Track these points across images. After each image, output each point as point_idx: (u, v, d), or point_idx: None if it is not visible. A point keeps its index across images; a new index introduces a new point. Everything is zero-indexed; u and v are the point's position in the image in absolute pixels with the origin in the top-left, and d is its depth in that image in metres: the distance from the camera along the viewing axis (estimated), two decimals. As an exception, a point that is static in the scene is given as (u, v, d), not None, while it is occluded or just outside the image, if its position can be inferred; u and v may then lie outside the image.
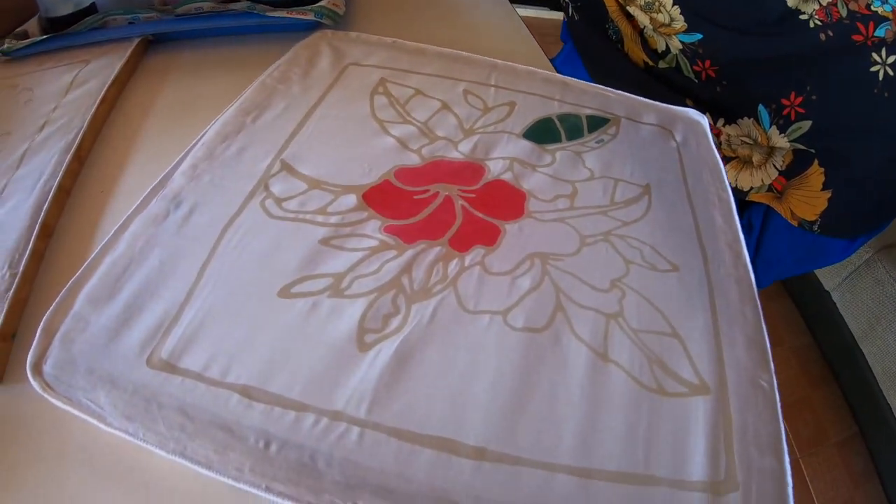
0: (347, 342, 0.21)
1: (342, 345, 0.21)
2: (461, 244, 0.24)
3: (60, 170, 0.30)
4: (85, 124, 0.33)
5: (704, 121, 0.35)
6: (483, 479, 0.18)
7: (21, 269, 0.26)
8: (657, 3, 0.43)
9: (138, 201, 0.27)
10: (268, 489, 0.18)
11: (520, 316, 0.22)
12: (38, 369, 0.21)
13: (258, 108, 0.31)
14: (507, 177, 0.27)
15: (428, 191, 0.26)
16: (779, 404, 0.22)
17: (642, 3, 0.45)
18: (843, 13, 0.37)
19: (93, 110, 0.34)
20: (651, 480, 0.19)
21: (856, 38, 0.36)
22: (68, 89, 0.37)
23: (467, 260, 0.23)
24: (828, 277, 0.73)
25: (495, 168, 0.28)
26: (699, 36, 0.42)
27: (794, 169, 0.44)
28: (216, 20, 0.38)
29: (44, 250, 0.28)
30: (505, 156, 0.29)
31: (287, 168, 0.27)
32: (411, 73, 0.33)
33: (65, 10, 0.40)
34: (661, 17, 0.44)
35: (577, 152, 0.30)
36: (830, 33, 0.37)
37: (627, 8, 0.46)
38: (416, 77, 0.33)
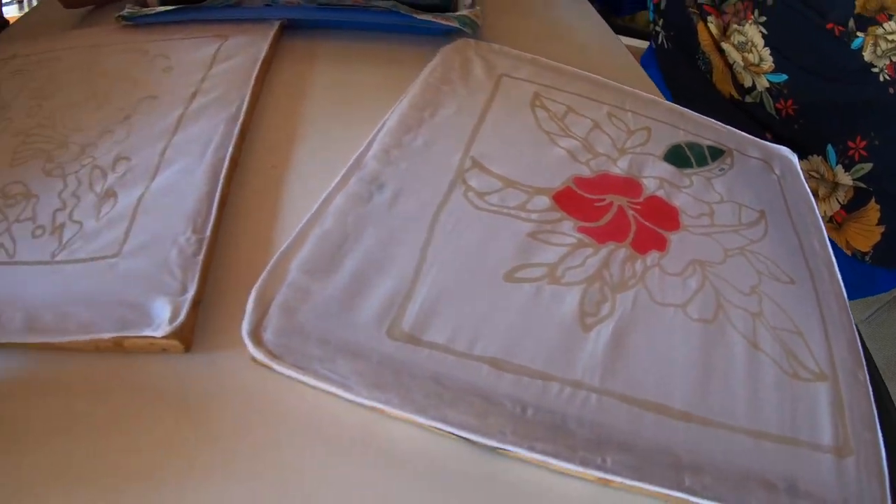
0: (573, 322, 0.28)
1: (569, 324, 0.28)
2: (640, 247, 0.33)
3: (231, 140, 0.35)
4: (246, 98, 0.38)
5: (795, 159, 0.45)
6: (692, 437, 0.26)
7: (207, 233, 0.31)
8: (749, 44, 0.54)
9: (336, 179, 0.32)
10: (530, 448, 0.23)
11: (694, 310, 0.30)
12: (257, 338, 0.24)
13: (432, 106, 0.38)
14: (660, 193, 0.36)
15: (604, 199, 0.34)
16: (871, 393, 0.32)
17: (736, 41, 0.55)
18: None
19: (251, 85, 0.39)
20: (798, 443, 0.28)
21: None
22: (212, 62, 0.42)
23: (648, 261, 0.32)
24: (856, 311, 0.86)
25: (650, 185, 0.37)
26: (785, 77, 0.53)
27: (854, 204, 0.55)
28: (361, 14, 0.45)
29: (220, 219, 0.32)
30: (654, 175, 0.38)
31: (478, 166, 0.35)
32: (558, 90, 0.42)
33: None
34: (752, 57, 0.54)
35: (707, 178, 0.39)
36: None
37: (721, 44, 0.56)
38: (564, 95, 0.41)
